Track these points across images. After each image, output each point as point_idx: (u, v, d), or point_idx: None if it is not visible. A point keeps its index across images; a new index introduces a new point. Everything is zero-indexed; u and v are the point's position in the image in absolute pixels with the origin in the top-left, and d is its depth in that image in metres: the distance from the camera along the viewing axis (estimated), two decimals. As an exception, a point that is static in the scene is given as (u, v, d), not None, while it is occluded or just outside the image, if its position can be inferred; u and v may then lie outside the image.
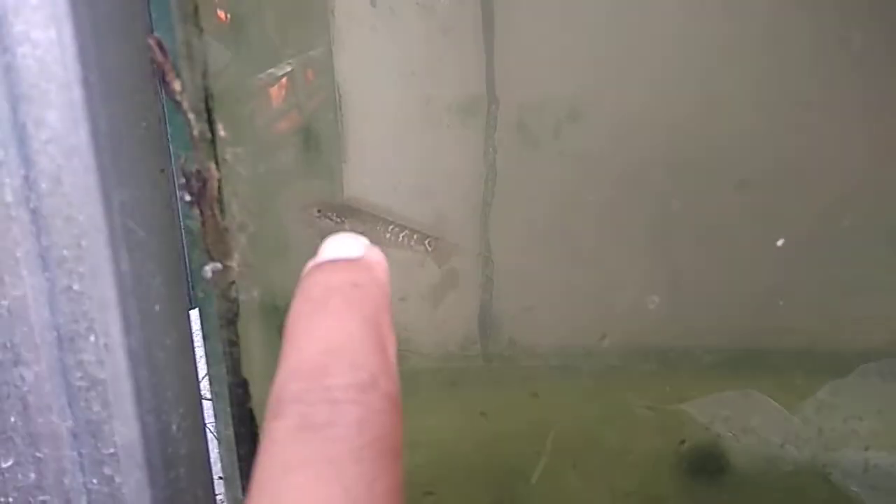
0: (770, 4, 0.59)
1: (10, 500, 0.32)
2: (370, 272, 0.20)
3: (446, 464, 0.54)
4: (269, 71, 0.52)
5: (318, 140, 0.56)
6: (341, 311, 0.19)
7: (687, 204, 0.62)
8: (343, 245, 0.21)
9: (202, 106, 0.28)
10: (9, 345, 0.30)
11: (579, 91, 0.61)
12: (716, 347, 0.65)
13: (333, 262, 0.20)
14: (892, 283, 0.66)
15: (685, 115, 0.59)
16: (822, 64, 0.60)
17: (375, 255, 0.21)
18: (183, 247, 0.35)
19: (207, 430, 0.37)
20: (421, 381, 0.65)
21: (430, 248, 0.50)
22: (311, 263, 0.21)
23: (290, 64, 0.55)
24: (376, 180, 0.63)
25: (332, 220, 0.49)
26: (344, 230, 0.49)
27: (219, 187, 0.28)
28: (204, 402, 0.37)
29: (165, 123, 0.33)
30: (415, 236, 0.50)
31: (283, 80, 0.54)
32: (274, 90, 0.53)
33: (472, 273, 0.66)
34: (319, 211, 0.49)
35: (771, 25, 0.59)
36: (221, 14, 0.43)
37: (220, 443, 0.33)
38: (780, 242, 0.59)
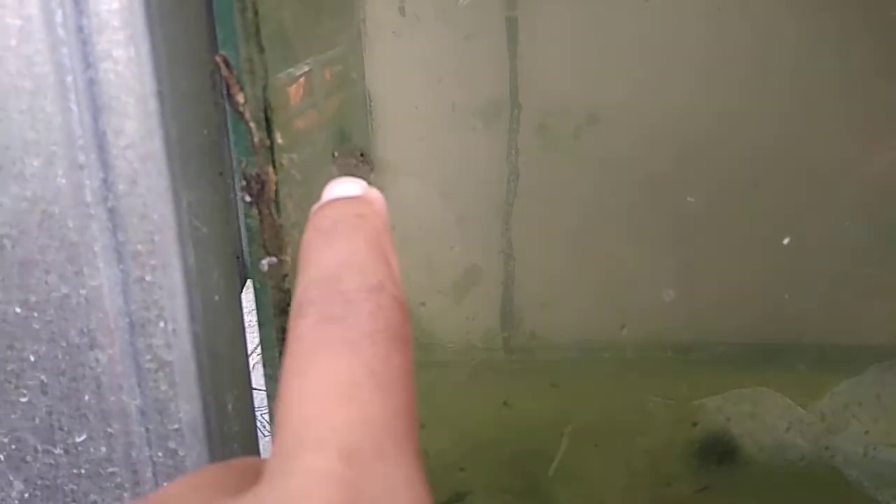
0: (785, 17, 0.61)
1: (83, 471, 0.36)
2: (371, 205, 0.24)
3: (473, 446, 0.57)
4: (288, 70, 0.54)
5: (350, 141, 0.59)
6: (349, 234, 0.22)
7: (702, 204, 0.65)
8: (345, 186, 0.24)
9: (262, 116, 0.31)
10: (85, 330, 0.33)
11: (599, 97, 0.64)
12: (730, 342, 0.68)
13: (337, 199, 0.24)
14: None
15: (701, 121, 0.61)
16: (833, 74, 0.62)
17: (374, 193, 0.25)
18: (237, 242, 0.38)
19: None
20: (446, 373, 0.68)
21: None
22: (316, 205, 0.24)
23: (307, 64, 0.57)
24: (404, 179, 0.66)
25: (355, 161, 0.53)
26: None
27: (276, 189, 0.32)
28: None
29: (223, 131, 0.36)
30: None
31: (301, 79, 0.57)
32: (292, 89, 0.55)
33: (495, 269, 0.69)
34: (362, 155, 0.53)
35: (785, 37, 0.61)
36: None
37: (272, 420, 0.36)
38: (786, 241, 0.61)
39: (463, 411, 0.62)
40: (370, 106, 0.65)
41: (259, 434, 0.40)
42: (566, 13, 0.63)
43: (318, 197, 0.26)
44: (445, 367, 0.69)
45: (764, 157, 0.64)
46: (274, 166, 0.31)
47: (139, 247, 0.32)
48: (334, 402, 0.18)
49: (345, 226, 0.22)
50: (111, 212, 0.31)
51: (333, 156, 0.51)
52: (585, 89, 0.64)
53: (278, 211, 0.32)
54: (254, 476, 0.20)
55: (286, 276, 0.33)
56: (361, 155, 0.54)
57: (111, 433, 0.35)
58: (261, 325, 0.34)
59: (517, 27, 0.63)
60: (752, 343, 0.67)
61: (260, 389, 0.38)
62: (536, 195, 0.67)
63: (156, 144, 0.31)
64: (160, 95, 0.30)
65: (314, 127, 0.56)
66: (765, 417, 0.62)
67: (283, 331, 0.35)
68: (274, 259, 0.33)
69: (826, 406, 0.62)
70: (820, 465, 0.60)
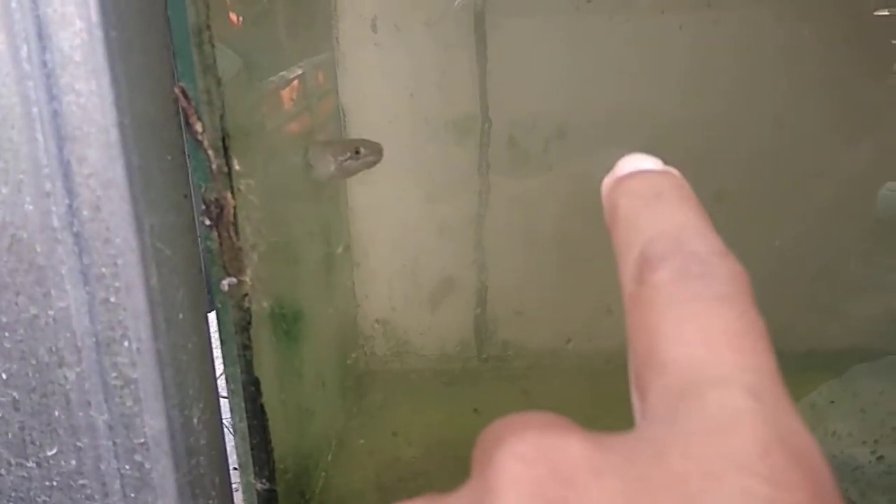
0: (744, 30, 0.63)
1: (54, 483, 0.37)
2: (682, 180, 0.22)
3: (440, 454, 0.58)
4: (281, 74, 0.56)
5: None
6: (677, 202, 0.21)
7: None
8: (644, 160, 0.22)
9: (220, 144, 0.32)
10: (54, 349, 0.35)
11: (565, 111, 0.65)
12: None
13: (648, 170, 0.22)
14: (879, 282, 0.69)
15: (664, 133, 0.63)
16: (794, 86, 0.64)
17: (674, 169, 0.23)
18: (203, 262, 0.39)
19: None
20: (419, 381, 0.70)
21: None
22: (611, 178, 0.22)
23: (300, 67, 0.59)
24: (379, 194, 0.68)
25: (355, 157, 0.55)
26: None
27: (234, 213, 0.33)
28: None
29: (186, 155, 0.37)
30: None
31: (294, 82, 0.58)
32: (285, 92, 0.56)
33: (468, 280, 0.70)
34: (358, 152, 0.54)
35: (746, 50, 0.63)
36: (234, 17, 0.47)
37: (235, 434, 0.37)
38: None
39: (434, 418, 0.64)
40: (344, 120, 0.67)
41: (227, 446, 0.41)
42: (532, 31, 0.65)
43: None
44: (419, 375, 0.70)
45: (737, 164, 0.66)
46: (232, 191, 0.33)
47: (103, 269, 0.33)
48: (724, 347, 0.17)
49: (670, 195, 0.21)
50: (76, 236, 0.33)
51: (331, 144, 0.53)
52: (552, 105, 0.66)
53: (237, 234, 0.33)
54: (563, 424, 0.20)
55: (246, 295, 0.35)
56: (357, 151, 0.56)
57: (80, 447, 0.36)
58: (222, 342, 0.35)
59: (486, 44, 0.65)
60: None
61: (224, 397, 0.39)
62: (507, 207, 0.68)
63: (117, 172, 0.32)
64: (121, 125, 0.32)
65: (307, 130, 0.58)
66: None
67: (244, 347, 0.36)
68: (234, 279, 0.34)
69: (812, 412, 0.64)
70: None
